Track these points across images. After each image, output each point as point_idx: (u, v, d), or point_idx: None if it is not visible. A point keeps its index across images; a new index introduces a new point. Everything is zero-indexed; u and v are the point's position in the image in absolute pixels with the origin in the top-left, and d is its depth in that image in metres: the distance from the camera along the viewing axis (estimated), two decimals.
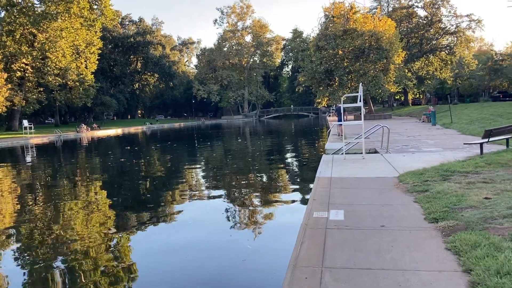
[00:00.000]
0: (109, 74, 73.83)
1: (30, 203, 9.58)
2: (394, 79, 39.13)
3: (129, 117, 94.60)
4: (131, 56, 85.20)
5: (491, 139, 10.30)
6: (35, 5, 48.27)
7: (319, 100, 45.14)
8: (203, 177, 13.16)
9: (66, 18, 48.72)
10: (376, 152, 12.58)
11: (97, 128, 54.48)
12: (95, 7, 58.11)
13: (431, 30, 52.28)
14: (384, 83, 37.70)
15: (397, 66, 39.15)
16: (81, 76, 52.38)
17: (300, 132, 38.79)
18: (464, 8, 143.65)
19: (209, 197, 9.43)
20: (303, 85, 49.46)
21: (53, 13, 47.36)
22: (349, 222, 5.05)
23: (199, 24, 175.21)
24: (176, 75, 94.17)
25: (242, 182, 11.33)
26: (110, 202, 9.40)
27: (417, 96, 70.85)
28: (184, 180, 12.75)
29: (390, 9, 54.64)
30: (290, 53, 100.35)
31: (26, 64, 46.74)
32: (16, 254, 5.93)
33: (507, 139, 10.56)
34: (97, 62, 56.32)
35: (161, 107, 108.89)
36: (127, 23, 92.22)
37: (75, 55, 51.86)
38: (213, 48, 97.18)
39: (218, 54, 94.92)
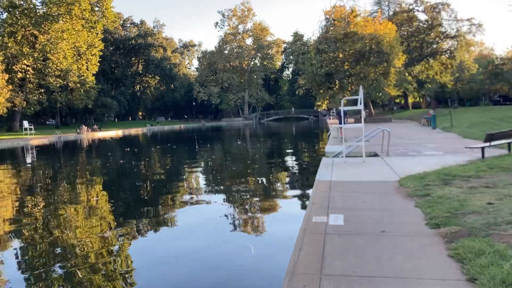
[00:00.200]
0: (110, 76, 73.86)
1: (28, 204, 9.47)
2: (394, 82, 39.04)
3: (130, 119, 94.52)
4: (133, 58, 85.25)
5: (492, 143, 10.19)
6: (36, 7, 48.44)
7: (319, 103, 45.04)
8: (202, 180, 13.06)
9: (68, 20, 48.85)
10: (376, 155, 12.47)
11: (98, 130, 54.42)
12: (96, 9, 58.34)
13: (432, 34, 52.21)
14: (384, 87, 37.61)
15: (398, 69, 39.08)
16: (82, 77, 52.42)
17: (300, 134, 38.70)
18: (465, 12, 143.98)
19: (207, 201, 9.30)
20: (303, 88, 49.37)
21: (55, 15, 47.51)
22: (349, 227, 4.94)
23: (200, 27, 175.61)
24: (177, 77, 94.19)
25: (241, 185, 11.22)
26: (109, 205, 9.30)
27: (417, 99, 70.78)
28: (182, 183, 12.65)
29: (391, 12, 54.62)
30: (291, 56, 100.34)
31: (27, 66, 46.76)
32: (14, 256, 5.82)
33: (509, 143, 10.45)
34: (98, 63, 56.40)
35: (162, 109, 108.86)
36: (129, 25, 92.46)
37: (76, 57, 51.96)
38: (214, 51, 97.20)
39: (219, 57, 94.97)
